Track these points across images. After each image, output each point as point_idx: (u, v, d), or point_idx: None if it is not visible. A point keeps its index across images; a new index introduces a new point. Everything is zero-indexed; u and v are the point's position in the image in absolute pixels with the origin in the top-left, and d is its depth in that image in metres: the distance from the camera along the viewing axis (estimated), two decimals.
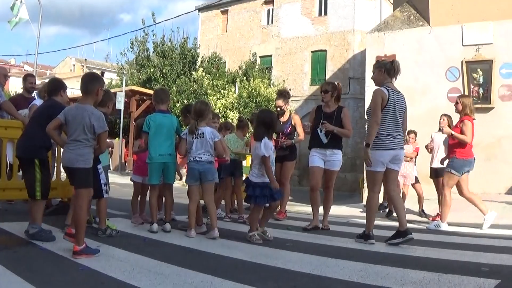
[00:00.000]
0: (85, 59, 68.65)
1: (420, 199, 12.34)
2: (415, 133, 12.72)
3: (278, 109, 10.42)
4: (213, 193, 8.22)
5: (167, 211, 8.08)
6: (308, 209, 12.22)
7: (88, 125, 5.70)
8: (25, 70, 61.31)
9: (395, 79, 7.69)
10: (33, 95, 10.74)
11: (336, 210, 12.94)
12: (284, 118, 10.33)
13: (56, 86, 7.16)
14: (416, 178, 12.48)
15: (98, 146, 5.95)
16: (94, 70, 63.39)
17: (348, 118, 8.97)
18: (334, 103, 9.10)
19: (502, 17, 15.60)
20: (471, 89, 15.94)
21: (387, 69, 7.62)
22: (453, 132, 9.85)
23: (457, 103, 10.08)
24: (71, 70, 68.65)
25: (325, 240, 7.49)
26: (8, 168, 9.06)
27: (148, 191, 8.35)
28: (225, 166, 9.94)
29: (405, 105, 7.62)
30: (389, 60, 7.92)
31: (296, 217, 10.84)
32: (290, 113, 10.47)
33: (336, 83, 9.31)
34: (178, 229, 8.00)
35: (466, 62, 16.02)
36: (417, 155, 12.57)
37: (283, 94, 10.62)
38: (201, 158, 7.57)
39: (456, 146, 9.80)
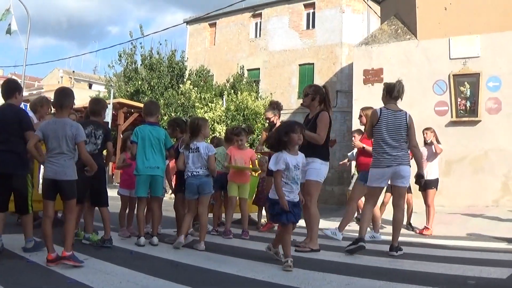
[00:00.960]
0: (73, 71, 68.44)
1: (408, 210, 12.27)
2: None
3: (268, 121, 10.42)
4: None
5: (154, 224, 7.95)
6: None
7: (70, 136, 5.97)
8: None
9: (400, 99, 7.74)
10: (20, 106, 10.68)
11: (324, 223, 12.88)
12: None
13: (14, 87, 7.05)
14: (409, 187, 12.46)
15: (81, 154, 6.17)
16: (82, 82, 63.54)
17: (323, 122, 8.12)
18: (317, 107, 8.35)
19: (489, 31, 15.69)
20: (458, 102, 16.01)
21: (387, 90, 7.85)
22: (364, 146, 9.83)
23: (360, 116, 10.20)
24: (59, 82, 68.40)
25: (313, 254, 7.45)
26: None
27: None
28: (215, 180, 9.85)
29: (406, 123, 7.69)
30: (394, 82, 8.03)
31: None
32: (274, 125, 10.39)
33: (322, 86, 8.72)
34: (165, 243, 7.96)
35: (453, 75, 16.09)
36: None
37: (273, 106, 10.60)
38: (198, 172, 7.75)
39: (365, 159, 9.69)
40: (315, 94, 8.28)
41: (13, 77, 63.72)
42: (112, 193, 8.98)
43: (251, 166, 10.51)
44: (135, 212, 8.39)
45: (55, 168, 5.93)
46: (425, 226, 11.13)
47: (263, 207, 11.50)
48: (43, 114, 9.68)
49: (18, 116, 6.64)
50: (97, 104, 7.64)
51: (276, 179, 6.40)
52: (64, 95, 6.35)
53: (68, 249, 5.78)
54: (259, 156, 11.71)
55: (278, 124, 10.43)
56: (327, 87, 8.64)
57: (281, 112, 10.79)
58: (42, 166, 8.41)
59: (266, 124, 12.67)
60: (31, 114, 9.43)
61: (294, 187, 6.45)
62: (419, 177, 7.86)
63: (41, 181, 9.40)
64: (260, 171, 11.64)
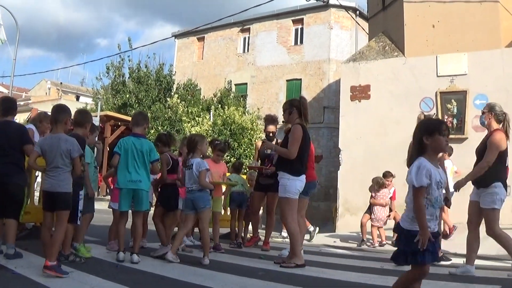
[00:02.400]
0: (61, 83, 68.30)
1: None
2: (393, 176, 12.71)
3: (271, 134, 10.40)
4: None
5: (135, 241, 7.59)
6: (279, 239, 12.24)
7: (65, 151, 6.20)
8: (0, 91, 60.93)
9: None
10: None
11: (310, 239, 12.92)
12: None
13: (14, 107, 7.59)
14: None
15: (73, 169, 6.30)
16: (70, 94, 63.32)
17: (294, 135, 7.91)
18: (296, 121, 8.16)
19: (476, 48, 15.77)
20: (445, 120, 16.04)
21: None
22: None
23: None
24: (46, 93, 68.29)
25: (298, 269, 7.43)
26: None
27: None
28: (233, 199, 10.72)
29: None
30: None
31: (272, 246, 10.76)
32: (276, 140, 10.34)
33: (298, 97, 8.57)
34: (150, 257, 7.93)
35: (440, 92, 16.14)
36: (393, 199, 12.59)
37: (275, 120, 10.63)
38: (192, 187, 7.81)
39: None
40: (291, 108, 8.19)
41: (1, 87, 63.72)
42: (98, 205, 8.94)
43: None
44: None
45: (51, 181, 6.20)
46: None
47: (250, 222, 11.52)
48: (43, 130, 9.71)
49: (18, 131, 7.19)
50: (82, 115, 7.56)
51: (418, 200, 4.31)
52: (58, 111, 6.52)
53: (51, 259, 5.86)
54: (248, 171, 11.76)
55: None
56: (303, 98, 8.51)
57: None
58: (38, 180, 8.38)
59: (257, 140, 12.70)
60: (33, 127, 9.54)
61: (436, 213, 4.48)
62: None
63: (36, 194, 9.46)
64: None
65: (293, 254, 7.72)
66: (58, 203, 6.18)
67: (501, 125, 7.81)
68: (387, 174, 12.52)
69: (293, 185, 7.78)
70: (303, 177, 7.89)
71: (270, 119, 10.66)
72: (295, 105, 8.17)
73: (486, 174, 7.49)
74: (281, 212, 7.91)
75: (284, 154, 7.90)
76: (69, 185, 6.27)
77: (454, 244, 10.52)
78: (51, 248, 5.97)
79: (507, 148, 7.59)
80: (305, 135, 7.92)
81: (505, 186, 7.51)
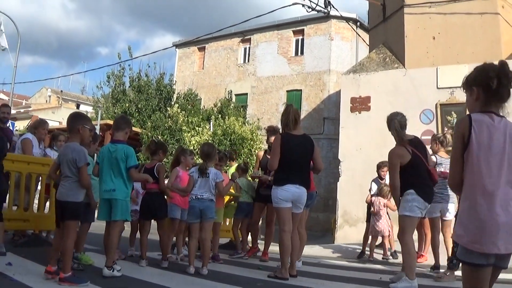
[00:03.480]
0: (61, 91, 68.37)
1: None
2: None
3: (271, 144, 10.42)
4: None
5: (108, 252, 6.95)
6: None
7: (71, 160, 6.12)
8: (0, 98, 60.99)
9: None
10: (8, 125, 10.72)
11: (308, 250, 12.86)
12: None
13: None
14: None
15: (80, 179, 6.17)
16: (70, 102, 63.30)
17: (272, 147, 8.00)
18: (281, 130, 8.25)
19: (476, 61, 15.67)
20: (445, 132, 16.04)
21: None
22: None
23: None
24: (46, 101, 68.37)
25: (295, 281, 7.42)
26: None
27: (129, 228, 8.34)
28: (242, 208, 10.77)
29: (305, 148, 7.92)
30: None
31: (271, 257, 10.73)
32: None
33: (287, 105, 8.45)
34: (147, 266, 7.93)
35: (440, 104, 16.14)
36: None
37: (277, 131, 10.63)
38: (202, 196, 7.82)
39: None
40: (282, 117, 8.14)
41: (1, 94, 63.78)
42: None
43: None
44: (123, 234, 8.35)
45: (60, 190, 6.18)
46: (420, 254, 11.06)
47: (249, 233, 11.50)
48: (40, 136, 9.76)
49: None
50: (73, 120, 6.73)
51: None
52: (72, 120, 6.45)
53: (66, 270, 5.89)
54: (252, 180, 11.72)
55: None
56: (289, 105, 8.37)
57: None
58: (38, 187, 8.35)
59: (257, 150, 12.69)
60: (30, 136, 9.62)
61: None
62: None
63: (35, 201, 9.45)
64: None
65: (281, 264, 7.73)
66: (66, 213, 6.11)
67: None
68: (381, 165, 12.20)
69: (274, 194, 7.74)
70: (288, 186, 7.66)
71: (272, 130, 10.66)
72: (283, 115, 8.11)
73: (401, 185, 7.45)
74: (271, 218, 7.97)
75: (268, 166, 8.13)
76: (78, 195, 6.18)
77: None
78: (63, 261, 6.01)
79: (410, 157, 7.48)
80: (285, 144, 7.74)
81: (425, 193, 7.40)
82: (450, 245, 9.89)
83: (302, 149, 7.86)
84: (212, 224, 8.22)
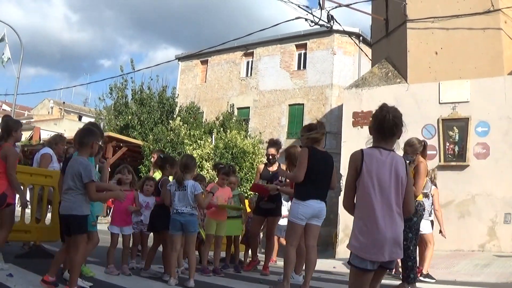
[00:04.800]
0: (64, 102, 68.41)
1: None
2: None
3: (270, 157, 10.40)
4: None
5: (70, 270, 6.41)
6: (281, 262, 12.16)
7: (77, 173, 6.02)
8: (3, 109, 61.04)
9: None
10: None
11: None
12: (273, 168, 10.29)
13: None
14: None
15: (89, 195, 6.11)
16: (72, 114, 63.32)
17: (299, 160, 7.69)
18: (306, 145, 7.94)
19: (478, 76, 15.81)
20: (447, 147, 16.05)
21: None
22: None
23: None
24: (49, 112, 68.40)
25: None
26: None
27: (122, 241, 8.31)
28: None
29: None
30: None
31: (271, 271, 10.70)
32: (279, 164, 10.32)
33: (315, 121, 8.53)
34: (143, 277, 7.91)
35: (442, 119, 16.16)
36: None
37: (276, 143, 10.61)
38: (182, 210, 7.71)
39: None
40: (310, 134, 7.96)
41: (4, 105, 63.82)
42: (99, 226, 8.90)
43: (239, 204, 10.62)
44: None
45: (64, 203, 6.10)
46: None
47: (250, 246, 11.48)
48: (59, 151, 9.79)
49: None
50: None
51: None
52: (83, 134, 6.45)
53: (72, 285, 5.88)
54: (250, 195, 11.73)
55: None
56: (321, 123, 8.25)
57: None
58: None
59: (258, 163, 12.70)
60: (49, 151, 9.71)
61: None
62: None
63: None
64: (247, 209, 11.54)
65: (283, 277, 7.67)
66: (72, 227, 6.05)
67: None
68: None
69: (295, 209, 7.56)
70: (311, 202, 7.51)
71: (272, 142, 10.67)
72: (313, 130, 7.97)
73: None
74: (285, 234, 7.81)
75: (291, 178, 7.94)
76: (82, 208, 6.08)
77: (451, 272, 10.46)
78: (71, 276, 6.01)
79: (310, 164, 7.48)
80: (312, 158, 7.57)
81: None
82: (428, 257, 10.00)
83: (325, 164, 7.80)
84: (195, 237, 8.15)
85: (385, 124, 4.48)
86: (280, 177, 9.93)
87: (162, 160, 9.09)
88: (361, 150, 4.40)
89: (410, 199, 4.40)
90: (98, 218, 7.50)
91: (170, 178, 8.64)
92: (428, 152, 15.14)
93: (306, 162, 7.47)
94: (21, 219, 9.09)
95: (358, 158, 4.36)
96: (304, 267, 8.20)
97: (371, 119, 4.64)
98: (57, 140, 10.35)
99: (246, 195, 13.37)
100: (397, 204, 4.26)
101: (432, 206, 10.55)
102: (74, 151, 7.29)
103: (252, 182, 12.75)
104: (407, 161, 8.71)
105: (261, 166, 10.92)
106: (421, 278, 9.75)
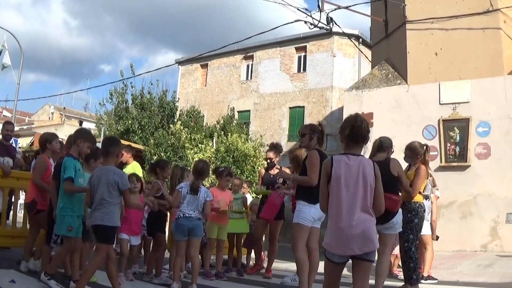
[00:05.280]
0: (64, 108, 68.40)
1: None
2: None
3: (269, 161, 10.43)
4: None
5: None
6: (283, 265, 12.17)
7: (112, 182, 6.17)
8: (3, 115, 61.06)
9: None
10: (10, 142, 10.74)
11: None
12: (274, 171, 10.28)
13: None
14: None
15: (126, 202, 6.38)
16: (73, 119, 63.31)
17: (311, 163, 7.64)
18: (314, 147, 8.01)
19: (478, 76, 15.80)
20: (448, 147, 16.03)
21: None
22: None
23: None
24: (49, 118, 68.37)
25: None
26: None
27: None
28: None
29: None
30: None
31: (274, 274, 10.69)
32: (280, 168, 10.29)
33: (317, 123, 8.49)
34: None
35: (443, 120, 16.14)
36: None
37: (275, 147, 10.61)
38: (190, 214, 7.68)
39: None
40: (313, 133, 8.04)
41: (4, 111, 63.88)
42: None
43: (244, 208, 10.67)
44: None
45: (96, 214, 6.16)
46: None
47: (252, 250, 11.49)
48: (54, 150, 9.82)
49: None
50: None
51: None
52: (110, 144, 6.60)
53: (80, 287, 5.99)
54: (253, 197, 11.74)
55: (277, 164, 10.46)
56: (322, 124, 8.38)
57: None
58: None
59: (260, 167, 12.70)
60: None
61: None
62: None
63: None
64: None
65: (300, 283, 7.60)
66: (100, 236, 6.20)
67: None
68: None
69: (308, 212, 7.52)
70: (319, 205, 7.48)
71: (272, 146, 10.68)
72: (316, 131, 8.06)
73: None
74: (292, 239, 7.67)
75: (303, 182, 7.70)
76: (115, 219, 6.22)
77: (454, 273, 10.46)
78: (81, 279, 6.16)
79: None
80: (321, 161, 7.61)
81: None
82: (429, 258, 10.00)
83: None
84: (199, 241, 8.16)
85: (360, 132, 4.82)
86: (277, 178, 9.92)
87: (152, 166, 9.12)
88: (331, 157, 4.86)
89: (379, 199, 4.81)
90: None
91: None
92: (431, 153, 15.20)
93: (319, 165, 7.30)
94: (23, 225, 9.11)
95: (328, 165, 4.81)
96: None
97: (342, 127, 4.97)
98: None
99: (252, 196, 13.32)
100: (366, 204, 4.68)
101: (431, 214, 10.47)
102: (65, 155, 7.32)
103: (255, 184, 12.73)
104: (408, 164, 8.80)
105: (262, 171, 10.92)
106: (422, 281, 9.74)
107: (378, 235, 7.57)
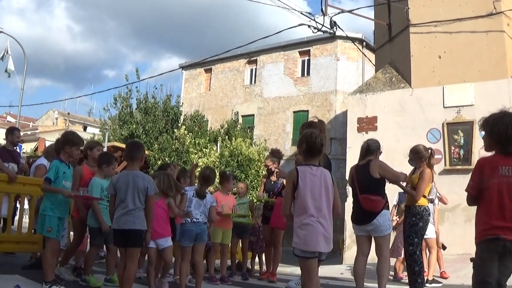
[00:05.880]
0: (68, 113, 68.43)
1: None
2: None
3: (267, 168, 10.49)
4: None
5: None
6: (288, 269, 12.16)
7: (142, 188, 6.27)
8: (7, 121, 61.16)
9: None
10: (15, 148, 10.75)
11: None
12: (274, 177, 10.32)
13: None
14: None
15: (146, 207, 6.34)
16: (77, 124, 63.38)
17: None
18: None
19: (482, 79, 15.79)
20: (452, 151, 16.03)
21: None
22: None
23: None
24: (53, 123, 68.41)
25: None
26: (2, 222, 9.20)
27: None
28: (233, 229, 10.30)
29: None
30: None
31: (279, 278, 10.69)
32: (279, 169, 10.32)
33: (314, 119, 8.54)
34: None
35: (447, 123, 16.14)
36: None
37: (273, 154, 10.65)
38: (198, 219, 7.65)
39: None
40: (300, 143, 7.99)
41: (9, 116, 63.93)
42: None
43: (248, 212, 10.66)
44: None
45: (127, 218, 6.19)
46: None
47: (257, 254, 11.50)
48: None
49: None
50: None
51: None
52: (134, 149, 6.72)
53: None
54: (256, 203, 11.75)
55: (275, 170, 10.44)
56: (321, 121, 8.35)
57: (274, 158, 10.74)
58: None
59: (264, 172, 12.73)
60: (44, 161, 9.67)
61: None
62: None
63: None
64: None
65: None
66: (131, 240, 6.25)
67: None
68: None
69: None
70: None
71: (270, 153, 10.84)
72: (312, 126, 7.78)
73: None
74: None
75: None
76: (144, 223, 6.31)
77: (459, 276, 10.45)
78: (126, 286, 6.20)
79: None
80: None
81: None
82: (433, 262, 10.00)
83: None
84: (204, 246, 8.14)
85: (315, 147, 5.50)
86: (277, 189, 10.01)
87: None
88: (296, 169, 5.55)
89: (337, 204, 5.61)
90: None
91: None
92: (436, 157, 15.18)
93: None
94: (28, 231, 9.11)
95: (294, 175, 5.47)
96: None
97: (300, 141, 5.66)
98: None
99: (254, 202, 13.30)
100: (328, 208, 5.43)
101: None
102: (52, 159, 7.42)
103: (259, 189, 12.72)
104: (413, 167, 8.83)
105: (264, 179, 10.94)
106: (427, 285, 9.74)
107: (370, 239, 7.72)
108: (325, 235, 5.34)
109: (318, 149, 5.54)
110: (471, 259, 4.84)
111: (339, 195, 5.67)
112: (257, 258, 12.07)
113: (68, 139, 7.28)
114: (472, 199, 5.18)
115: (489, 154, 5.07)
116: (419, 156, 8.58)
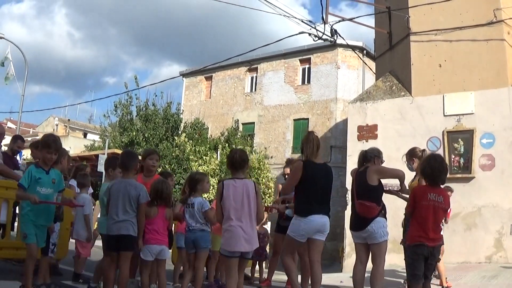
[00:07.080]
0: (68, 120, 68.56)
1: None
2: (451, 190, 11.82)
3: (286, 176, 10.45)
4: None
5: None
6: (285, 277, 12.15)
7: (134, 196, 6.62)
8: (8, 127, 61.17)
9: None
10: (14, 156, 10.75)
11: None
12: None
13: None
14: None
15: (138, 214, 6.68)
16: (77, 131, 63.45)
17: (291, 172, 8.14)
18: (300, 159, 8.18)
19: (483, 87, 15.79)
20: (452, 159, 16.01)
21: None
22: None
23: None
24: (54, 129, 68.41)
25: None
26: (1, 229, 9.20)
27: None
28: None
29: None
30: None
31: (274, 285, 10.68)
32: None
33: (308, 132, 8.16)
34: None
35: (447, 132, 16.13)
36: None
37: (291, 163, 10.61)
38: (193, 227, 7.67)
39: None
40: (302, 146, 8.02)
41: (9, 123, 64.00)
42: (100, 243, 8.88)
43: None
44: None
45: (120, 224, 6.53)
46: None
47: (257, 262, 11.49)
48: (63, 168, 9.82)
49: None
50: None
51: None
52: (129, 158, 7.08)
53: None
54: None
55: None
56: (310, 132, 8.06)
57: (274, 166, 10.85)
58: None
59: (264, 180, 12.70)
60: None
61: None
62: None
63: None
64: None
65: (291, 282, 7.73)
66: (124, 245, 6.54)
67: None
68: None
69: (297, 225, 7.56)
70: (313, 217, 7.48)
71: (287, 162, 10.92)
72: (302, 143, 7.97)
73: None
74: (283, 247, 8.09)
75: (282, 191, 8.90)
76: (135, 229, 6.62)
77: (458, 284, 10.43)
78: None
79: (308, 177, 7.63)
80: (308, 172, 7.53)
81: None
82: (442, 269, 9.99)
83: (325, 178, 7.79)
84: (207, 253, 8.09)
85: (237, 163, 6.58)
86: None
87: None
88: (222, 182, 6.58)
89: (260, 210, 6.58)
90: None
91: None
92: None
93: (298, 176, 7.63)
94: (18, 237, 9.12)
95: (220, 187, 6.52)
96: (310, 282, 8.13)
97: (227, 158, 6.85)
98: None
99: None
100: (249, 215, 6.41)
101: None
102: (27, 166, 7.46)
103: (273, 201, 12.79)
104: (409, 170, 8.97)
105: (280, 186, 10.89)
106: None
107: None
108: (245, 237, 6.32)
109: (240, 164, 6.59)
110: (401, 243, 7.63)
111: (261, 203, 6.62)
112: (257, 266, 12.04)
113: (41, 142, 7.11)
114: (408, 213, 7.05)
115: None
116: (410, 154, 8.94)
